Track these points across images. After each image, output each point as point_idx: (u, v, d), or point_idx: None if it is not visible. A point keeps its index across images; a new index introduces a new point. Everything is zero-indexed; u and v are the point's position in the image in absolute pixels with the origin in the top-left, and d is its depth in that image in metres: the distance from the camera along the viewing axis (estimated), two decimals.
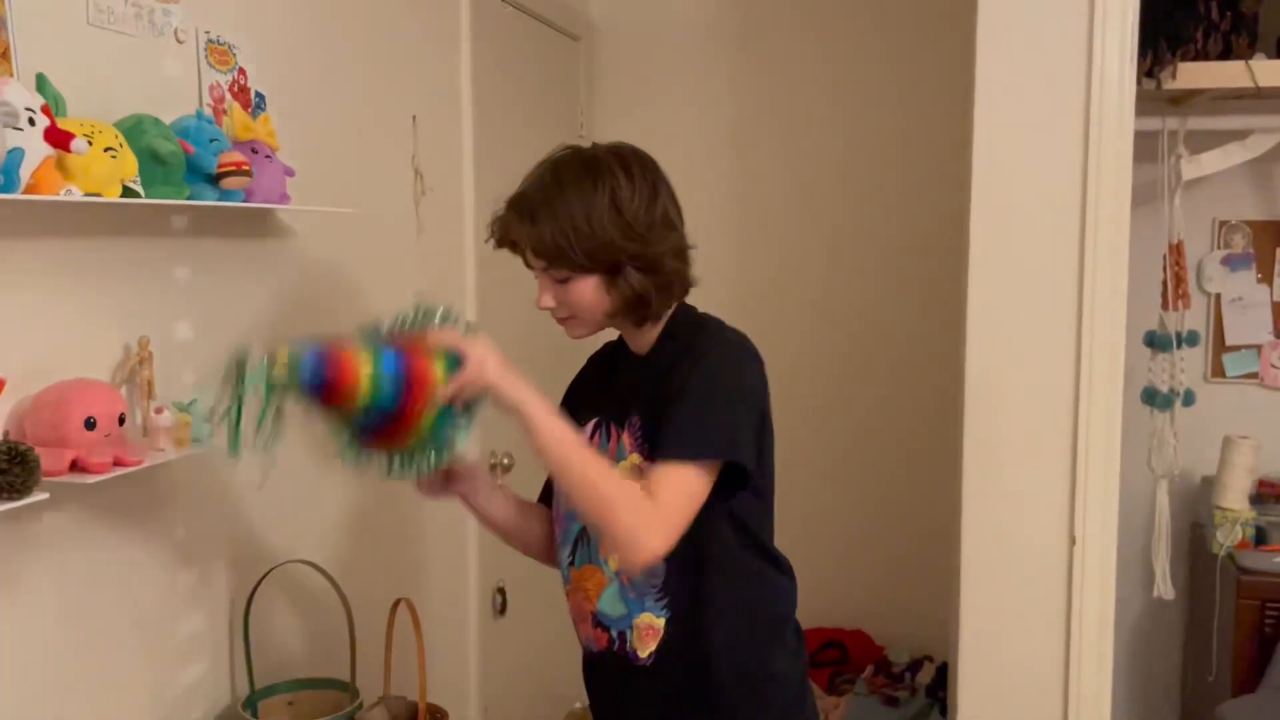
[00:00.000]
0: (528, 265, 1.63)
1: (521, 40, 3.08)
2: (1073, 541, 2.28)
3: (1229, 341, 3.04)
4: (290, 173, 1.79)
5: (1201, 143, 2.69)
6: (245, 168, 1.62)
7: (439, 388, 1.44)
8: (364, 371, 1.41)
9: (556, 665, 3.51)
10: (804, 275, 3.40)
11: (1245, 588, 2.71)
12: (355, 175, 2.20)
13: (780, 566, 1.68)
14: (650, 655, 1.62)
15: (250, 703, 1.82)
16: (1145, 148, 2.58)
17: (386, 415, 1.43)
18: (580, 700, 3.67)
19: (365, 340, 1.48)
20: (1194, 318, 2.95)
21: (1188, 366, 2.83)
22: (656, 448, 1.52)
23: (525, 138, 3.11)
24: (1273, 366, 3.02)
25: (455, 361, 1.46)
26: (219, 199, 1.62)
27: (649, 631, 1.61)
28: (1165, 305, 2.76)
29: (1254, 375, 3.03)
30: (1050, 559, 2.29)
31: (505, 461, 2.89)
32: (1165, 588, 2.73)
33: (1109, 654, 2.30)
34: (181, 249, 1.72)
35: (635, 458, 1.58)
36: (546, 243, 1.54)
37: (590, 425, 1.67)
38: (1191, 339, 2.79)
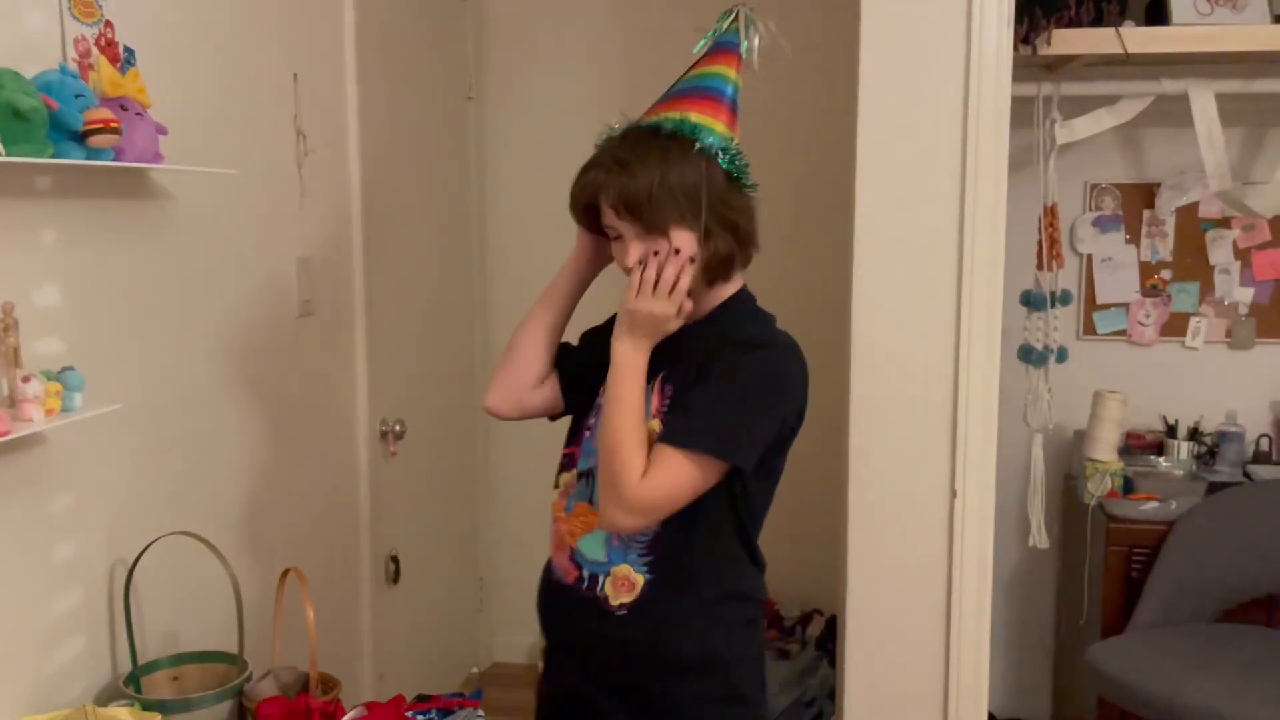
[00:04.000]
0: (606, 228, 1.60)
1: None
2: (953, 495, 2.36)
3: (1099, 300, 3.17)
4: (163, 131, 1.72)
5: (1075, 108, 2.78)
6: (114, 125, 1.55)
7: None
8: None
9: (452, 632, 3.50)
10: None
11: (1114, 535, 2.84)
12: (234, 135, 2.13)
13: (756, 559, 1.70)
14: (623, 607, 1.62)
15: (132, 679, 1.78)
16: (1021, 113, 2.65)
17: None
18: (476, 666, 3.68)
19: None
20: (1067, 277, 3.06)
21: (1061, 325, 2.94)
22: (665, 425, 1.54)
23: (413, 98, 3.05)
24: (1140, 324, 3.16)
25: None
26: (86, 158, 1.55)
27: (624, 583, 1.62)
28: (1040, 266, 2.85)
29: (1122, 332, 3.17)
30: (932, 512, 2.36)
31: (397, 429, 2.86)
32: (1040, 537, 2.85)
33: (988, 602, 2.39)
34: (47, 211, 1.64)
35: (655, 424, 1.57)
36: (643, 192, 1.51)
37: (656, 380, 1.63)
38: (1065, 298, 2.90)
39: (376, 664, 2.80)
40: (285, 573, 1.92)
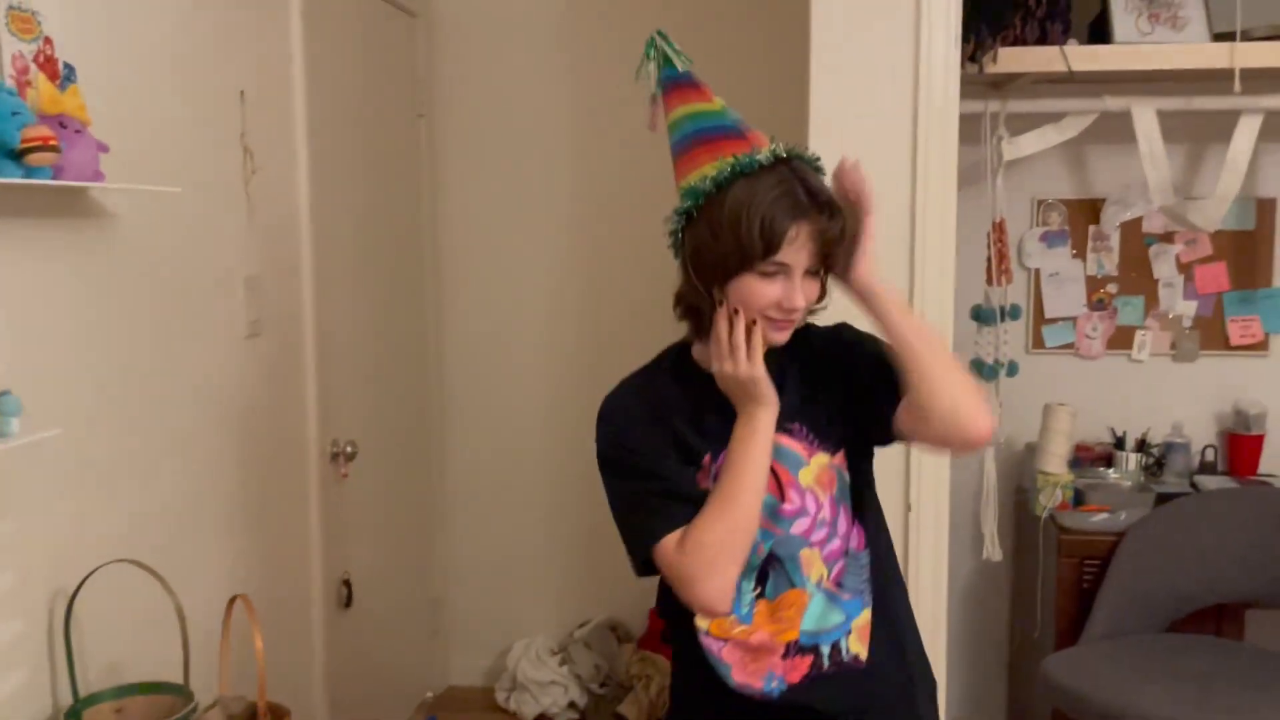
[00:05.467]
0: (780, 266, 1.41)
1: (356, 15, 2.99)
2: (908, 509, 2.37)
3: (1047, 314, 3.20)
4: (104, 148, 1.69)
5: (1021, 125, 2.81)
6: (52, 143, 1.52)
7: None
8: None
9: (406, 655, 3.45)
10: (643, 259, 3.41)
11: (1066, 547, 2.87)
12: (179, 153, 2.10)
13: None
14: (868, 656, 1.49)
15: (74, 712, 1.72)
16: (969, 130, 2.68)
17: None
18: (431, 690, 3.63)
19: None
20: (1016, 292, 3.09)
21: (1010, 339, 2.97)
22: (890, 391, 1.43)
23: (362, 115, 3.03)
24: (1087, 337, 3.20)
25: None
26: (23, 176, 1.52)
27: (864, 630, 1.49)
28: (989, 280, 2.88)
29: (1070, 346, 3.21)
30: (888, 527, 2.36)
31: (348, 450, 2.82)
32: (993, 550, 2.87)
33: (943, 614, 2.40)
34: None
35: (823, 457, 1.48)
36: (839, 234, 1.42)
37: (706, 459, 1.48)
38: (1014, 312, 2.93)
39: (329, 691, 2.75)
40: (232, 600, 1.88)
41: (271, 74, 2.49)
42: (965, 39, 2.45)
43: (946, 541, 2.40)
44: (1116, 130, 2.79)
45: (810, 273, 1.42)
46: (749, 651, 1.47)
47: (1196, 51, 2.65)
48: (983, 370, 2.84)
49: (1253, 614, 2.98)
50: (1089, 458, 3.12)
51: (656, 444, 1.47)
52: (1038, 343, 3.21)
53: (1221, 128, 2.78)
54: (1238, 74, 2.57)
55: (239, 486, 2.34)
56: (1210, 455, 3.12)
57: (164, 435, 2.07)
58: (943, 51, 2.28)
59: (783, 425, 1.47)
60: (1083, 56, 2.64)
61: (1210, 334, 3.15)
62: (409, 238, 3.42)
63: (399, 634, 3.38)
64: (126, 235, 1.93)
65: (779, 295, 1.41)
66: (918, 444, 1.56)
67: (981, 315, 2.90)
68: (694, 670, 1.51)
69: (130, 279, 1.95)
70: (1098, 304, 3.18)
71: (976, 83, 2.74)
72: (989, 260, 2.88)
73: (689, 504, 1.43)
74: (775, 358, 1.47)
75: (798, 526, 1.47)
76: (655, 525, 1.43)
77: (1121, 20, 2.71)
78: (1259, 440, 3.07)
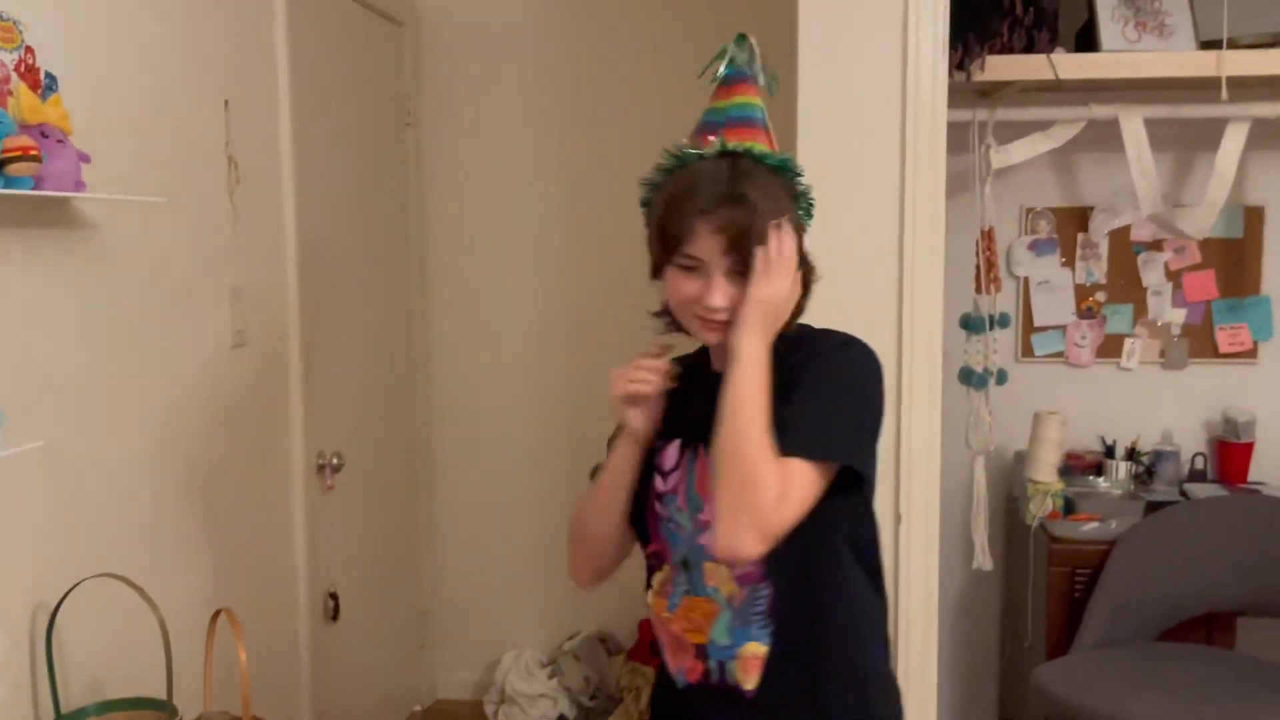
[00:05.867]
0: (692, 259, 1.40)
1: (341, 24, 2.98)
2: (898, 519, 2.35)
3: (1037, 322, 3.20)
4: (86, 158, 1.67)
5: (1009, 133, 2.81)
6: (33, 153, 1.51)
7: None
8: None
9: (394, 669, 3.42)
10: (633, 269, 3.40)
11: (1056, 556, 2.86)
12: (163, 162, 2.08)
13: (881, 593, 1.55)
14: (754, 688, 1.46)
15: None
16: (957, 139, 2.68)
17: None
18: (419, 703, 3.60)
19: None
20: (1005, 300, 3.09)
21: (1000, 347, 2.97)
22: (785, 438, 1.35)
23: (349, 124, 3.01)
24: (1076, 345, 3.20)
25: None
26: (4, 186, 1.51)
27: (752, 662, 1.46)
28: (978, 289, 2.88)
29: (1059, 354, 3.20)
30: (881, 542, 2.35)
31: (335, 461, 2.80)
32: (984, 559, 2.86)
33: (934, 625, 2.39)
34: None
35: None
36: (759, 227, 1.37)
37: (673, 448, 1.49)
38: (1003, 321, 2.93)
39: (315, 705, 2.73)
40: (216, 614, 1.86)
41: (256, 83, 2.48)
42: (953, 47, 2.44)
43: (937, 551, 2.38)
44: (1104, 138, 2.79)
45: (736, 273, 1.39)
46: (671, 640, 1.52)
47: (1184, 59, 2.65)
48: (972, 379, 2.84)
49: (1244, 622, 2.98)
50: (1079, 466, 3.11)
51: None
52: (1027, 351, 3.21)
53: (1209, 135, 2.79)
54: (1225, 82, 2.57)
55: (224, 498, 2.32)
56: (1200, 463, 3.12)
57: (148, 447, 2.05)
58: (930, 60, 2.28)
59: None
60: (1070, 65, 2.64)
61: (1199, 342, 3.16)
62: (396, 247, 3.40)
63: (386, 647, 3.36)
64: (109, 246, 1.92)
65: (697, 292, 1.40)
66: None
67: (971, 324, 2.89)
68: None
69: (113, 290, 1.93)
70: (1087, 312, 3.18)
71: (964, 91, 2.74)
72: (978, 268, 2.88)
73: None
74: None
75: (706, 537, 1.44)
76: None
77: (1108, 29, 2.71)
78: (1248, 448, 3.07)
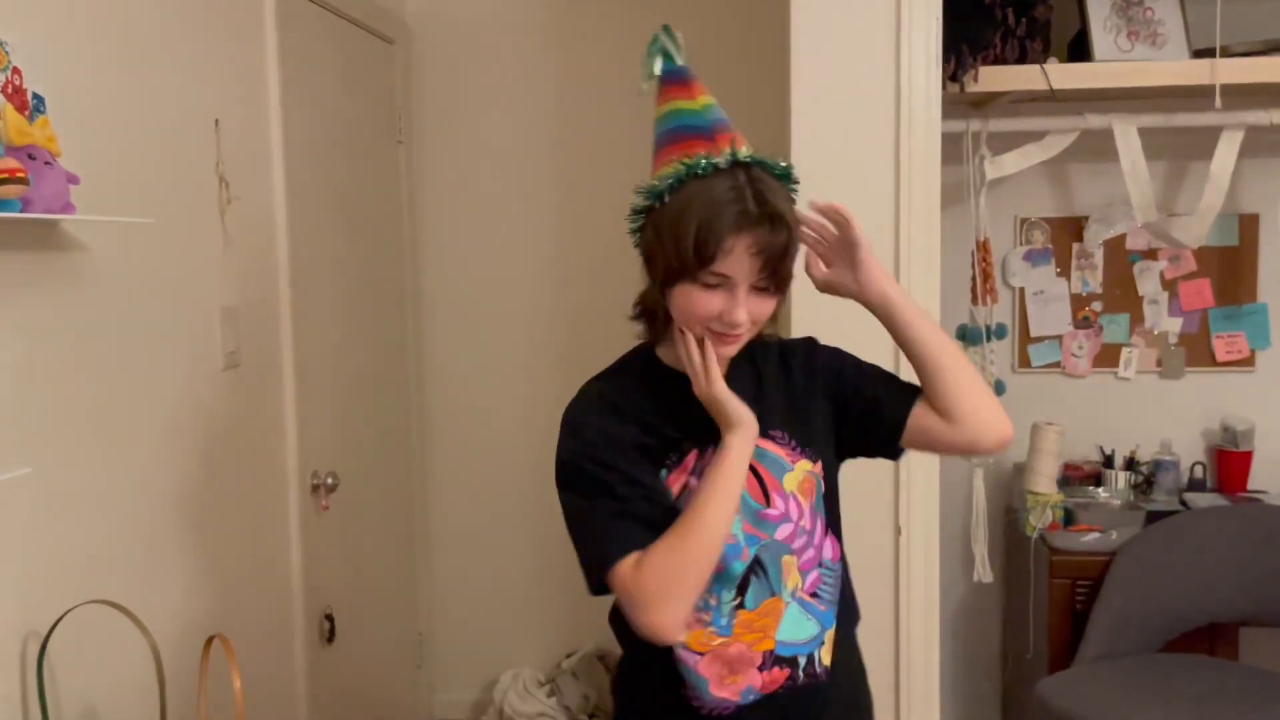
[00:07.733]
0: (721, 278, 1.35)
1: (332, 42, 2.97)
2: (898, 532, 2.34)
3: (1033, 333, 3.20)
4: (74, 180, 1.65)
5: (1003, 144, 2.81)
6: (20, 175, 1.49)
7: None
8: None
9: (391, 691, 3.39)
10: (626, 285, 3.39)
11: (1057, 568, 2.85)
12: (152, 183, 2.06)
13: None
14: (828, 673, 1.49)
15: None
16: (951, 150, 2.68)
17: None
18: None
19: None
20: (1001, 311, 3.09)
21: (997, 358, 2.96)
22: (900, 398, 1.49)
23: (340, 142, 3.00)
24: (1073, 355, 3.19)
25: None
26: None
27: (829, 645, 1.49)
28: (974, 300, 2.87)
29: (1056, 364, 3.19)
30: (879, 550, 2.34)
31: (329, 481, 2.78)
32: (984, 572, 2.85)
33: (935, 638, 2.37)
34: None
35: (806, 464, 1.46)
36: (792, 248, 1.37)
37: (692, 455, 1.44)
38: (1000, 331, 2.92)
39: None
40: (209, 640, 1.83)
41: (247, 102, 2.46)
42: (946, 58, 2.44)
43: (937, 563, 2.37)
44: (1098, 148, 2.79)
45: (758, 288, 1.37)
46: (727, 664, 1.42)
47: (1177, 68, 2.66)
48: None
49: (1247, 632, 2.96)
50: (1078, 477, 3.10)
51: (622, 457, 1.40)
52: (1024, 362, 3.20)
53: (1203, 144, 2.79)
54: (1218, 90, 2.57)
55: (217, 521, 2.30)
56: (1199, 472, 3.11)
57: (140, 471, 2.03)
58: (924, 71, 2.28)
59: (765, 431, 1.45)
60: (1063, 75, 2.64)
61: (1196, 350, 3.15)
62: (388, 266, 3.39)
63: (383, 668, 3.33)
64: (99, 268, 1.90)
65: (720, 307, 1.36)
66: (934, 450, 1.57)
67: (967, 335, 2.88)
68: (656, 688, 1.46)
69: (103, 312, 1.91)
70: (1083, 322, 3.17)
71: (958, 102, 2.74)
72: (973, 280, 2.87)
73: (649, 527, 1.36)
74: (749, 362, 1.47)
75: (781, 532, 1.44)
76: (612, 546, 1.35)
77: (1101, 38, 2.72)
78: (1247, 456, 3.06)
